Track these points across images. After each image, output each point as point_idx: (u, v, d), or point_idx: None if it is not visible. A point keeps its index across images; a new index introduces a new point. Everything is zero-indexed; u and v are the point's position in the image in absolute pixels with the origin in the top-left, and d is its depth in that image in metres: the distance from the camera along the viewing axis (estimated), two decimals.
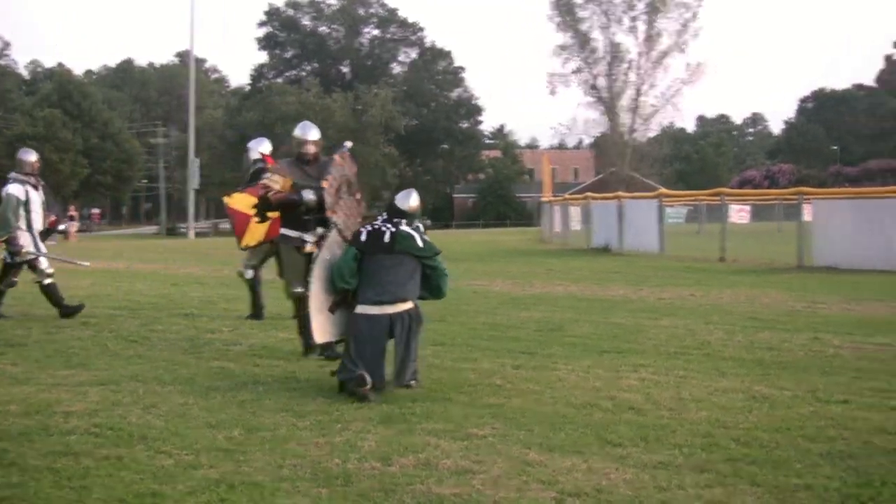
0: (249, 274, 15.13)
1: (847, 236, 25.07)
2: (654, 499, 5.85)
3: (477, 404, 8.49)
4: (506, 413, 8.12)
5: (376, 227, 9.56)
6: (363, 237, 9.51)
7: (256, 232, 14.09)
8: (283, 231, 11.29)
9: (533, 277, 23.70)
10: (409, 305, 9.19)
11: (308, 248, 11.05)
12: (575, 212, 46.76)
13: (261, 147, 15.13)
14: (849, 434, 7.36)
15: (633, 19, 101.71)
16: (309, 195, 10.88)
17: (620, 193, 42.21)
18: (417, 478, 6.25)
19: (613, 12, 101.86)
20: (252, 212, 13.55)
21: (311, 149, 11.26)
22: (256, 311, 14.99)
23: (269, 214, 12.96)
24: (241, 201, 14.33)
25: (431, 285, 9.55)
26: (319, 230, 10.92)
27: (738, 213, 59.74)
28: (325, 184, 10.68)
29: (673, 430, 7.50)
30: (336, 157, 10.97)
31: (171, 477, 6.29)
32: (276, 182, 10.90)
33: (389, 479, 6.22)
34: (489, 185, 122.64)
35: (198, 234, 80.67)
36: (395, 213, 9.80)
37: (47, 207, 15.45)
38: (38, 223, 15.07)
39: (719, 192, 36.93)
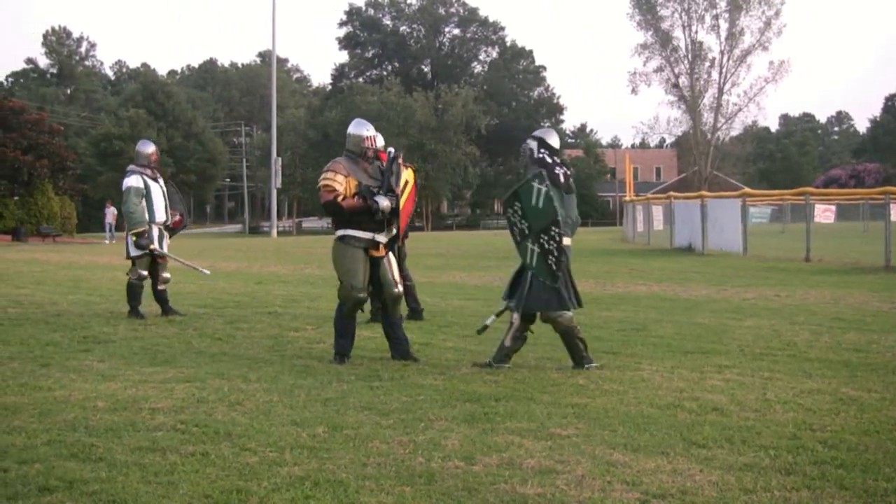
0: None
1: None
2: (740, 501, 5.80)
3: (560, 404, 8.46)
4: (589, 413, 8.10)
5: (564, 169, 10.49)
6: (562, 179, 10.41)
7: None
8: (351, 232, 10.86)
9: (615, 277, 23.64)
10: None
11: (381, 250, 10.99)
12: (657, 211, 46.59)
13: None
14: None
15: (715, 17, 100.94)
16: (384, 202, 10.77)
17: (703, 193, 41.89)
18: (501, 477, 6.24)
19: (695, 10, 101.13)
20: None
21: (372, 145, 11.13)
22: (413, 313, 14.59)
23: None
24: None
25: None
26: (393, 231, 11.06)
27: (824, 213, 59.12)
28: (398, 190, 10.95)
29: (758, 431, 7.43)
30: (401, 160, 11.17)
31: (255, 474, 6.33)
32: (340, 183, 10.72)
33: (473, 479, 6.21)
34: None
35: (280, 233, 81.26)
36: (555, 152, 10.66)
37: (173, 205, 15.47)
38: (161, 215, 15.08)
39: (804, 191, 36.56)
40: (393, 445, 7.04)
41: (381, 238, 10.94)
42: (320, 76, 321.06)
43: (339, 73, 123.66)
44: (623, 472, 6.34)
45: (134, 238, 14.75)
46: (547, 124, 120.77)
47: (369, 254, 10.92)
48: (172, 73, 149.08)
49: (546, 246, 10.22)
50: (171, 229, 15.54)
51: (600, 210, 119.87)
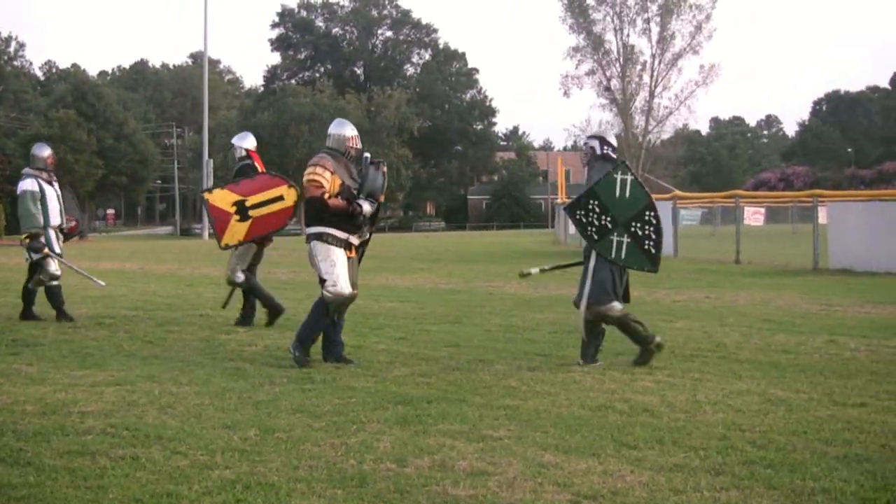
0: (240, 278, 14.42)
1: (862, 239, 25.04)
2: (670, 501, 5.85)
3: (492, 405, 8.49)
4: (521, 415, 8.13)
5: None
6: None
7: (237, 231, 13.76)
8: (330, 231, 10.73)
9: (547, 279, 23.68)
10: None
11: (352, 251, 10.97)
12: None
13: (245, 143, 14.74)
14: (865, 437, 7.34)
15: (647, 21, 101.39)
16: (366, 206, 10.73)
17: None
18: (433, 479, 6.25)
19: (627, 14, 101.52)
20: (232, 209, 13.43)
21: (355, 145, 11.10)
22: (273, 311, 14.47)
23: (251, 213, 12.93)
24: (222, 198, 13.87)
25: None
26: (367, 234, 11.12)
27: (753, 216, 59.69)
28: (381, 199, 10.99)
29: (689, 432, 7.49)
30: (384, 167, 11.18)
31: (186, 477, 6.29)
32: (327, 180, 10.63)
33: (405, 481, 6.22)
34: (503, 186, 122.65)
35: (212, 235, 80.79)
36: (614, 150, 11.03)
37: (68, 210, 15.35)
38: (56, 219, 14.95)
39: (734, 194, 36.95)
40: (325, 448, 7.03)
41: (355, 240, 10.93)
42: (252, 78, 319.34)
43: (272, 75, 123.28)
44: (554, 474, 6.36)
45: (28, 241, 14.67)
46: (480, 127, 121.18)
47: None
48: (103, 73, 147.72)
49: (641, 233, 10.52)
50: (67, 234, 15.44)
51: (532, 212, 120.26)
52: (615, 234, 10.53)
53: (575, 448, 7.02)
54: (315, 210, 10.74)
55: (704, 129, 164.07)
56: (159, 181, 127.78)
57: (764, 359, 11.07)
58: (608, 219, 10.60)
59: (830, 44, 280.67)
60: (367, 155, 11.21)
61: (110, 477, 6.30)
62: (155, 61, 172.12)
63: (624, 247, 10.50)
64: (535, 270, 11.64)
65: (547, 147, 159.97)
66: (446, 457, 6.77)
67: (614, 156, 10.93)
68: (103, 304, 15.72)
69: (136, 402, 8.68)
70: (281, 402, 8.67)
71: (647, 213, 10.45)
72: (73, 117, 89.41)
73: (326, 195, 10.62)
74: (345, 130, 11.14)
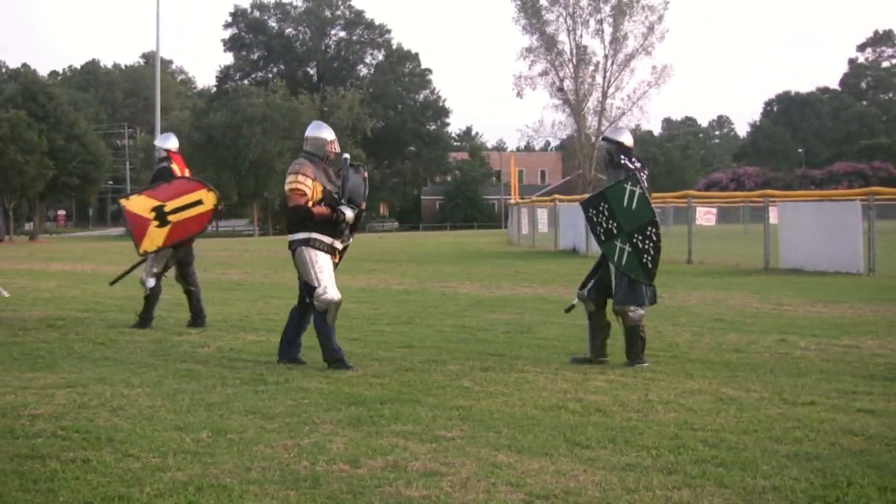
0: (151, 283, 14.28)
1: (812, 239, 25.22)
2: (623, 500, 5.87)
3: (445, 406, 8.49)
4: (474, 415, 8.13)
5: (644, 173, 10.76)
6: (645, 180, 10.71)
7: (156, 237, 13.74)
8: (316, 236, 10.62)
9: (500, 280, 23.75)
10: None
11: (336, 256, 10.90)
12: (542, 214, 46.88)
13: (167, 143, 14.69)
14: (815, 435, 7.39)
15: (599, 22, 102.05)
16: (349, 213, 10.67)
17: (588, 196, 42.27)
18: (386, 480, 6.25)
19: (580, 15, 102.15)
20: (151, 215, 13.38)
21: (334, 149, 10.94)
22: (144, 320, 14.26)
23: (171, 218, 12.89)
24: (139, 204, 13.89)
25: None
26: (349, 239, 11.06)
27: (705, 216, 59.83)
28: (363, 205, 10.99)
29: (641, 431, 7.52)
30: (365, 171, 11.15)
31: (138, 480, 6.26)
32: (309, 187, 10.52)
33: (358, 482, 6.21)
34: (457, 187, 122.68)
35: None
36: (630, 153, 10.91)
37: None
38: None
39: (686, 194, 37.18)
40: (277, 449, 7.01)
41: (339, 245, 10.86)
42: (205, 78, 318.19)
43: (224, 75, 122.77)
44: (507, 474, 6.37)
45: None
46: (433, 127, 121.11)
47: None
48: (54, 73, 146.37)
49: (641, 246, 10.59)
50: None
51: (485, 213, 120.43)
52: (619, 240, 10.67)
53: (528, 448, 7.04)
54: (299, 218, 10.64)
55: (657, 130, 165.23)
56: (111, 182, 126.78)
57: (715, 358, 11.14)
58: (615, 224, 10.75)
59: (781, 45, 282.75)
60: (347, 156, 11.04)
61: (61, 480, 6.27)
62: (107, 61, 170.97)
63: (625, 255, 10.63)
64: (576, 302, 11.54)
65: (500, 147, 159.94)
66: (399, 457, 6.77)
67: (631, 164, 10.87)
68: (54, 306, 15.62)
69: (88, 404, 8.63)
70: (233, 403, 8.65)
71: (650, 228, 10.55)
72: (24, 118, 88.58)
73: (310, 202, 10.53)
74: (323, 133, 10.93)
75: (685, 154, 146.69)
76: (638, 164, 10.92)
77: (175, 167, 14.31)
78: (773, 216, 29.18)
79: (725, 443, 7.16)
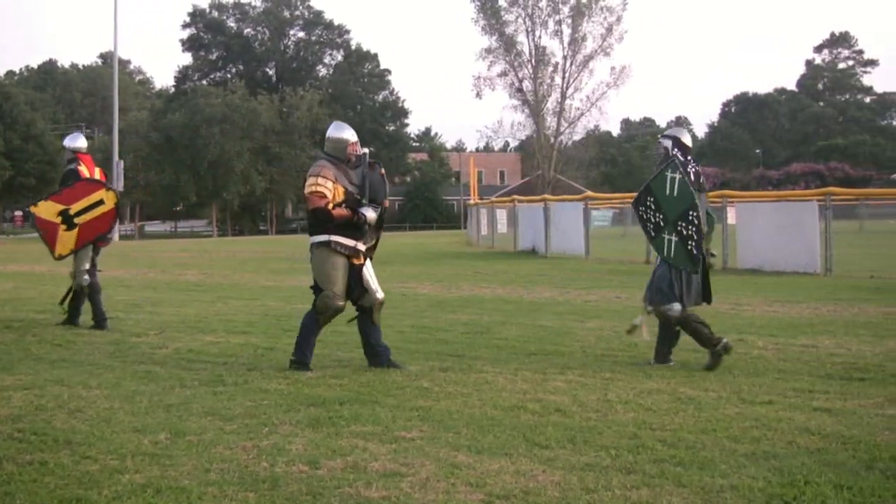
0: (86, 279, 14.14)
1: (770, 239, 25.39)
2: (582, 500, 5.88)
3: (405, 407, 8.49)
4: (434, 416, 8.13)
5: (696, 167, 10.81)
6: (692, 177, 10.66)
7: (67, 240, 13.77)
8: (336, 238, 10.47)
9: (460, 280, 23.75)
10: None
11: (361, 258, 10.73)
12: (501, 215, 46.96)
13: (75, 144, 14.64)
14: (773, 434, 7.44)
15: (559, 23, 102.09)
16: (371, 213, 10.59)
17: (546, 196, 42.41)
18: (345, 481, 6.24)
19: (539, 16, 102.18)
20: (58, 220, 13.39)
21: (356, 151, 10.71)
22: (98, 321, 14.14)
23: (77, 220, 12.91)
24: (47, 210, 13.90)
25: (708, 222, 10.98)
26: (374, 239, 10.98)
27: None
28: (386, 203, 10.92)
29: (600, 431, 7.54)
30: (381, 168, 11.04)
31: (96, 482, 6.23)
32: (329, 189, 10.36)
33: (317, 483, 6.20)
34: (416, 187, 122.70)
35: (122, 237, 79.87)
36: (687, 151, 11.03)
37: None
38: None
39: None
40: (236, 451, 6.99)
41: (362, 247, 10.69)
42: (163, 78, 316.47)
43: (183, 76, 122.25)
44: (467, 474, 6.38)
45: None
46: (392, 128, 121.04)
47: (350, 262, 10.63)
48: (10, 73, 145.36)
49: (685, 232, 10.56)
50: None
51: (445, 213, 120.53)
52: (666, 231, 10.74)
53: (487, 448, 7.04)
54: (319, 221, 10.49)
55: (615, 131, 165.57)
56: None
57: (674, 358, 11.17)
58: (661, 216, 10.83)
59: (739, 46, 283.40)
60: (366, 151, 10.90)
61: (17, 483, 6.22)
62: (64, 61, 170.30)
63: (672, 245, 10.66)
64: (638, 320, 11.38)
65: (459, 148, 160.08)
66: (359, 458, 6.76)
67: (681, 158, 10.83)
68: (11, 308, 15.52)
69: (45, 406, 8.58)
70: (192, 405, 8.62)
71: (691, 212, 10.52)
72: None
73: (330, 205, 10.38)
74: (345, 135, 10.69)
75: (644, 155, 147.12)
76: (691, 165, 10.89)
77: (83, 168, 14.29)
78: (731, 216, 29.36)
79: (684, 442, 7.19)
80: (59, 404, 8.64)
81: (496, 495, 5.96)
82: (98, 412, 8.32)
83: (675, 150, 10.94)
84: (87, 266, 14.21)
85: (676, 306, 10.62)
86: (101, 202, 13.77)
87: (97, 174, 14.51)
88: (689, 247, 10.51)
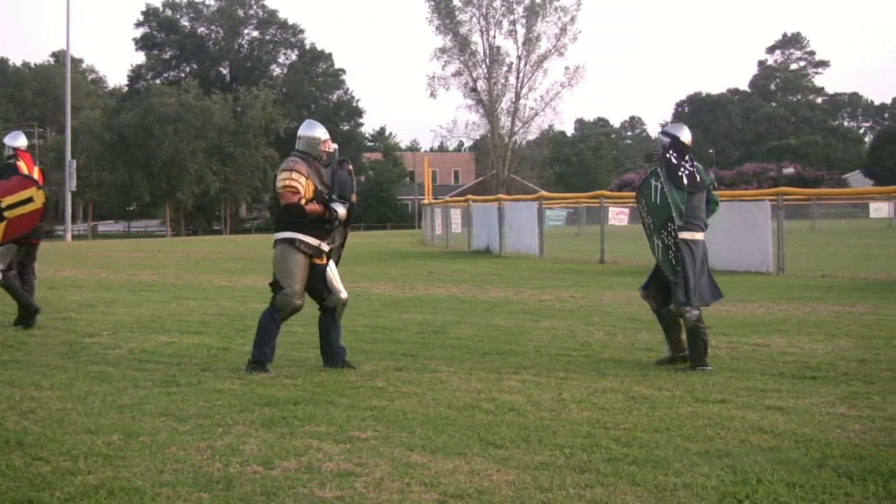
0: (1, 280, 14.13)
1: (723, 238, 25.38)
2: (536, 499, 5.89)
3: (359, 407, 8.48)
4: (388, 415, 8.13)
5: (690, 168, 10.70)
6: (686, 180, 10.60)
7: None
8: (301, 237, 10.41)
9: (414, 280, 23.75)
10: None
11: (324, 258, 10.64)
12: (455, 214, 46.94)
13: (16, 142, 14.71)
14: (726, 433, 7.47)
15: (513, 23, 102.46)
16: (342, 210, 10.54)
17: (501, 196, 42.48)
18: (299, 481, 6.23)
19: (493, 15, 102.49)
20: None
21: (327, 149, 10.79)
22: (25, 317, 14.16)
23: (7, 214, 12.87)
24: None
25: (710, 210, 11.05)
26: (339, 239, 10.92)
27: (617, 216, 60.65)
28: (353, 198, 10.85)
29: (554, 430, 7.56)
30: (349, 165, 11.11)
31: (48, 484, 6.19)
32: (302, 185, 10.35)
33: (271, 483, 6.19)
34: (370, 187, 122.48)
35: (75, 237, 79.36)
36: (685, 150, 10.90)
37: None
38: None
39: (598, 194, 37.48)
40: (190, 451, 6.97)
41: (325, 247, 10.61)
42: (116, 77, 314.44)
43: (136, 75, 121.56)
44: (421, 474, 6.38)
45: None
46: (346, 127, 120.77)
47: (312, 261, 10.56)
48: None
49: (665, 241, 10.55)
50: None
51: (399, 213, 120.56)
52: (655, 235, 10.76)
53: (441, 448, 7.05)
54: (290, 216, 10.43)
55: (570, 131, 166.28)
56: None
57: (628, 357, 11.23)
58: (651, 220, 10.86)
59: (692, 46, 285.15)
60: (336, 146, 10.99)
61: None
62: (16, 60, 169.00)
63: (659, 250, 10.67)
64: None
65: (414, 148, 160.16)
66: (313, 458, 6.75)
67: (674, 161, 10.76)
68: None
69: None
70: (145, 405, 8.58)
71: (669, 224, 10.50)
72: None
73: (302, 200, 10.35)
74: (317, 133, 10.79)
75: (598, 154, 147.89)
76: (684, 167, 10.84)
77: (21, 165, 14.33)
78: None
79: (638, 441, 7.22)
80: (11, 405, 8.58)
81: (450, 495, 5.96)
82: (50, 413, 8.27)
83: (671, 151, 10.89)
84: (4, 266, 14.15)
85: (695, 311, 10.58)
86: (30, 199, 13.79)
87: (35, 173, 14.49)
88: (670, 256, 10.53)
